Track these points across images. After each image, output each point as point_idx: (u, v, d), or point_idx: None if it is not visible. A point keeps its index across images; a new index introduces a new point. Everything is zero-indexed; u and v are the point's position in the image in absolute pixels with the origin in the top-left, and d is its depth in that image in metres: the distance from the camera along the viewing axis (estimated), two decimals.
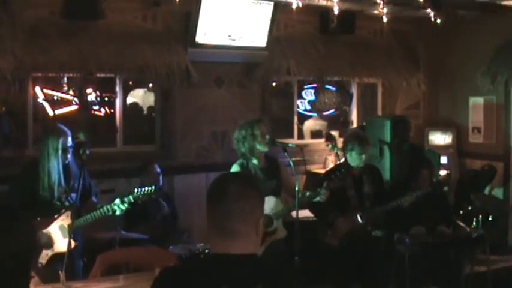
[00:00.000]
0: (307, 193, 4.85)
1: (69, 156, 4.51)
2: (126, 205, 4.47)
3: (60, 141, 4.44)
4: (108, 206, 4.48)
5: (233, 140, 5.01)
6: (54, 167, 4.45)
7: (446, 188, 6.42)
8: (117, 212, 4.48)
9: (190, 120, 6.76)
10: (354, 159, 5.10)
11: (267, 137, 4.86)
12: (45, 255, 4.45)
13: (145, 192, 4.51)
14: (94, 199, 4.77)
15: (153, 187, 4.56)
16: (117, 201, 4.48)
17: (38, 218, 4.43)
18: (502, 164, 7.54)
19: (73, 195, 4.50)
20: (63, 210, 4.48)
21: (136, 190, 4.53)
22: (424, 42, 8.24)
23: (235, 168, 4.84)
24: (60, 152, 4.45)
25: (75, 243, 4.50)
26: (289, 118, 7.75)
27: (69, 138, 4.49)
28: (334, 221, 5.04)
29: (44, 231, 4.41)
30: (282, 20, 7.02)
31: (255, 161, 4.87)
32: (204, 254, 4.87)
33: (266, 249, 4.68)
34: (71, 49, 5.87)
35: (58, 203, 4.50)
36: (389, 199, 5.16)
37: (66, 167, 4.53)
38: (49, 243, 4.43)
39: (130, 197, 4.49)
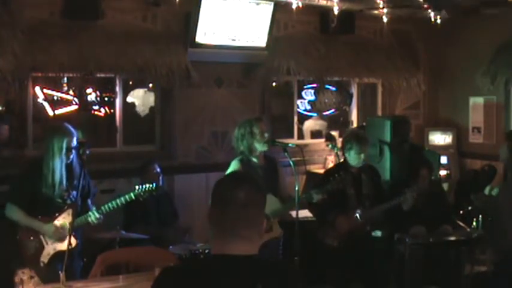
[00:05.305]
0: (303, 195, 4.86)
1: (71, 156, 4.52)
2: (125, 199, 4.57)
3: (65, 141, 4.46)
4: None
5: (233, 138, 5.00)
6: (58, 165, 4.46)
7: (445, 185, 6.42)
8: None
9: (190, 120, 6.76)
10: (353, 159, 5.11)
11: (266, 135, 4.84)
12: (46, 254, 4.46)
13: (147, 189, 4.55)
14: (89, 201, 4.79)
15: (154, 184, 4.60)
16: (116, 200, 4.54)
17: (39, 216, 4.46)
18: (502, 164, 7.53)
19: (74, 193, 4.52)
20: (66, 207, 4.50)
21: (137, 187, 4.57)
22: (424, 42, 8.24)
23: (234, 164, 4.80)
24: (64, 151, 4.46)
25: (77, 242, 4.52)
26: (289, 118, 7.76)
27: (75, 139, 4.51)
28: (334, 220, 5.04)
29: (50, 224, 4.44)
30: (282, 20, 7.02)
31: (254, 159, 4.87)
32: (204, 254, 4.87)
33: (261, 247, 4.67)
34: (71, 49, 5.87)
35: (59, 200, 4.51)
36: (388, 199, 5.17)
37: (69, 167, 4.55)
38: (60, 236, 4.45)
39: (132, 194, 4.53)
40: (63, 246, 4.38)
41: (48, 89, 6.40)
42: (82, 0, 5.88)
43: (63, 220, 4.48)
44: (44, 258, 4.45)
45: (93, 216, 4.51)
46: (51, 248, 4.48)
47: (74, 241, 4.44)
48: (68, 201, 4.54)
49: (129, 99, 7.17)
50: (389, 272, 5.19)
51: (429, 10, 6.59)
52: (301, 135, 7.91)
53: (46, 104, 6.40)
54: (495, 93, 7.58)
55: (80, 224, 4.51)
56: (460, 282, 5.04)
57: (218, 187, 2.01)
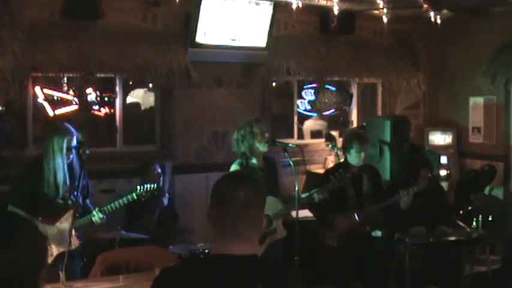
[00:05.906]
0: (303, 195, 4.87)
1: (71, 155, 4.53)
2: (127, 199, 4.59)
3: (65, 140, 4.47)
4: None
5: (232, 141, 5.00)
6: (60, 165, 4.47)
7: (445, 185, 6.41)
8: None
9: (190, 120, 6.76)
10: (354, 158, 5.12)
11: (266, 135, 4.86)
12: (50, 255, 4.46)
13: (148, 189, 4.57)
14: (87, 201, 4.79)
15: (156, 185, 4.62)
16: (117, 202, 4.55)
17: (40, 218, 4.46)
18: (502, 164, 7.54)
19: (75, 193, 4.52)
20: (67, 209, 4.50)
21: (138, 187, 4.59)
22: (424, 42, 8.23)
23: (234, 167, 4.82)
24: (64, 151, 4.47)
25: (80, 242, 4.53)
26: (289, 118, 7.75)
27: (74, 139, 4.52)
28: (333, 219, 5.04)
29: (52, 227, 4.43)
30: (282, 20, 7.02)
31: (254, 161, 4.87)
32: (204, 254, 4.87)
33: (266, 249, 4.68)
34: (71, 49, 5.87)
35: (61, 201, 4.52)
36: (387, 198, 5.18)
37: (70, 166, 4.55)
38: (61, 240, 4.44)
39: (134, 195, 4.56)
40: (66, 246, 4.38)
41: (48, 89, 6.39)
42: (82, 0, 5.88)
43: (65, 222, 4.48)
44: (48, 259, 4.45)
45: (96, 216, 4.52)
46: (55, 248, 4.48)
47: (77, 242, 4.45)
48: (69, 202, 4.54)
49: (129, 99, 7.17)
50: (389, 272, 5.20)
51: (429, 10, 6.58)
52: (301, 135, 7.91)
53: (46, 104, 6.39)
54: (495, 93, 7.57)
55: (83, 224, 4.54)
56: (460, 282, 5.04)
57: (218, 187, 2.01)
